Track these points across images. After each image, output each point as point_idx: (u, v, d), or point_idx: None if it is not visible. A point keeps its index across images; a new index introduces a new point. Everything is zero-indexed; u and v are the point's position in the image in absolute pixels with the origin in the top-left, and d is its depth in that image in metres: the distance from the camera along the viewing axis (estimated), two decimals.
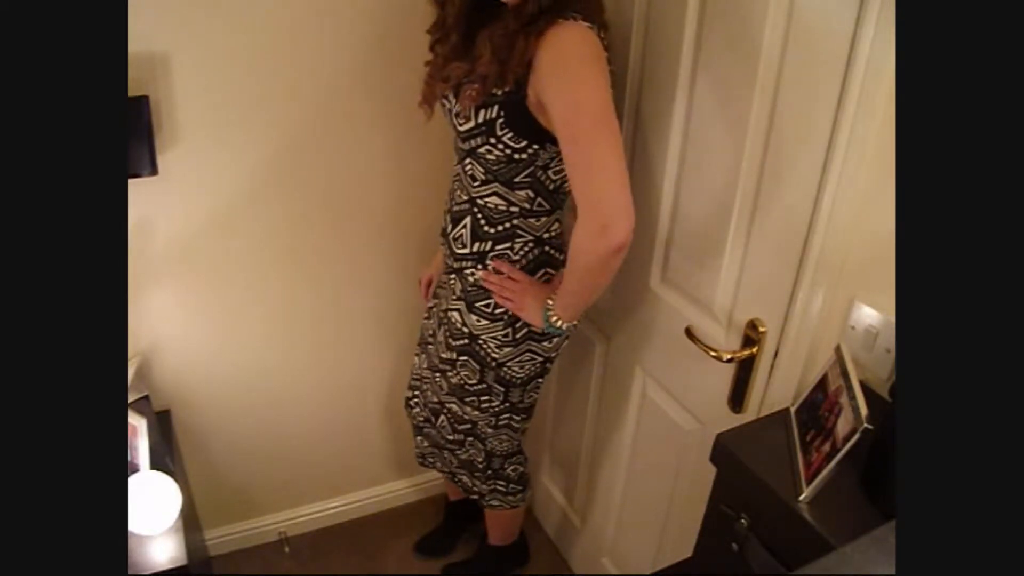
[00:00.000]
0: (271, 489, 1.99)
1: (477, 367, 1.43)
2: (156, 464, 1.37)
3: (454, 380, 1.49)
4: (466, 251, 1.35)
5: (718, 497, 1.03)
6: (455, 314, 1.42)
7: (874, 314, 0.98)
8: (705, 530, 1.08)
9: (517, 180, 1.26)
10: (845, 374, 0.92)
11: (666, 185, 1.29)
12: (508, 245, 1.33)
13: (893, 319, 0.95)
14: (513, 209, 1.29)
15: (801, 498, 0.88)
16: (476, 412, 1.51)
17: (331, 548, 2.04)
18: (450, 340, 1.45)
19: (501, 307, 1.35)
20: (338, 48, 1.49)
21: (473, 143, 1.23)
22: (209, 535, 1.95)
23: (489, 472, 1.66)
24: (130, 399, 1.54)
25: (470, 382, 1.46)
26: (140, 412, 1.42)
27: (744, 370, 1.19)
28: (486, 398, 1.48)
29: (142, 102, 1.31)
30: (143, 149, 1.35)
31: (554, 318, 1.30)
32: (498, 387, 1.45)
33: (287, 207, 1.61)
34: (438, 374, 1.53)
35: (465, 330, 1.41)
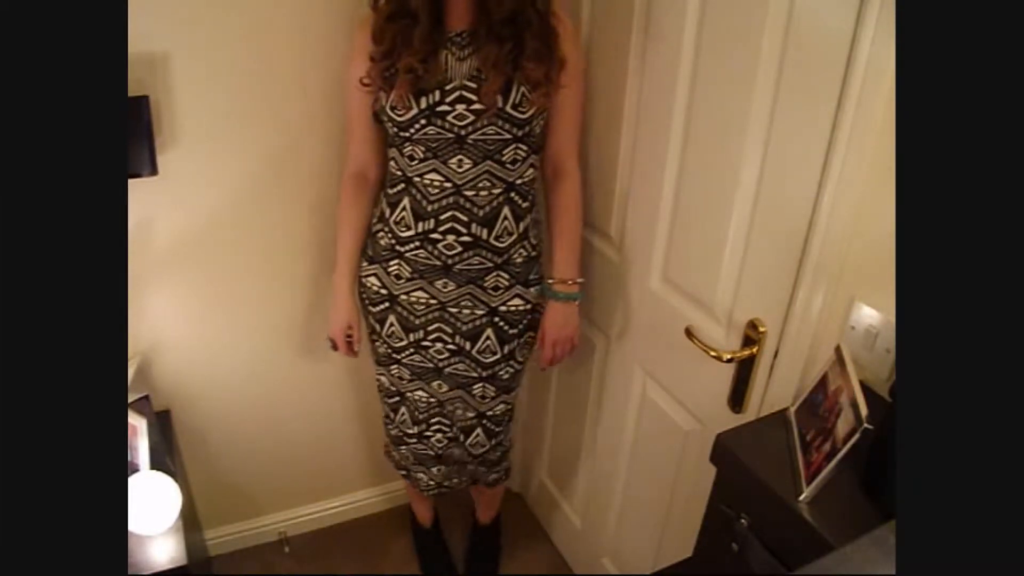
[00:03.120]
0: (271, 489, 1.99)
1: (534, 334, 1.52)
2: (156, 464, 1.37)
3: (506, 376, 1.53)
4: (513, 237, 1.39)
5: (718, 497, 1.03)
6: (515, 300, 1.45)
7: (874, 314, 0.98)
8: (705, 530, 1.08)
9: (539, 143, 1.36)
10: (845, 374, 0.92)
11: (666, 185, 1.29)
12: (535, 208, 1.42)
13: (893, 319, 0.95)
14: (536, 173, 1.40)
15: (801, 498, 0.88)
16: (517, 387, 1.58)
17: (331, 548, 2.04)
18: (505, 334, 1.47)
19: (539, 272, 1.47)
20: (339, 47, 1.48)
21: (530, 127, 1.30)
22: (209, 535, 1.95)
23: (506, 446, 1.69)
24: (130, 399, 1.54)
25: (521, 359, 1.54)
26: (140, 412, 1.42)
27: (744, 370, 1.19)
28: (523, 362, 1.56)
29: (142, 102, 1.31)
30: (143, 149, 1.35)
31: (574, 288, 1.45)
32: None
33: (287, 207, 1.62)
34: (476, 385, 1.52)
35: (528, 307, 1.47)
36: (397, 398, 1.60)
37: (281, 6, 1.41)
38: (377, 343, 1.54)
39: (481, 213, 1.34)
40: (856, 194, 0.95)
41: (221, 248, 1.59)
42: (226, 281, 1.64)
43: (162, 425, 1.61)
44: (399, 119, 1.27)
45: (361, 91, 1.32)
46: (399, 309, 1.46)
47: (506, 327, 1.47)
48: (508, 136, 1.29)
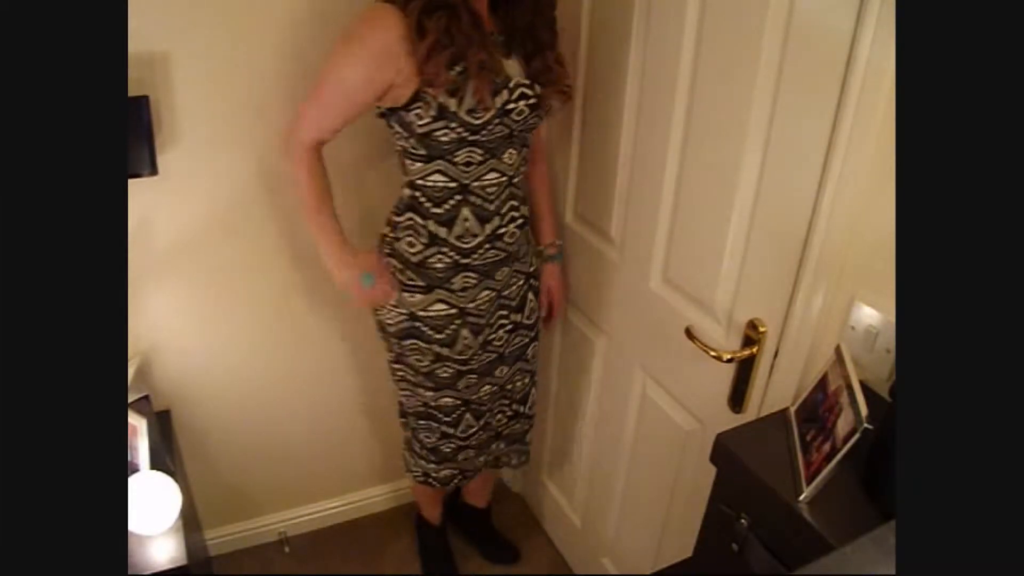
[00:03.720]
0: (271, 489, 1.99)
1: None
2: (156, 464, 1.37)
3: (539, 327, 1.63)
4: (527, 205, 1.48)
5: (718, 497, 1.03)
6: (534, 259, 1.56)
7: (874, 314, 0.98)
8: (705, 530, 1.08)
9: None
10: (845, 374, 0.92)
11: (666, 185, 1.29)
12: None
13: (893, 319, 0.95)
14: None
15: (801, 498, 0.88)
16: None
17: (331, 548, 2.04)
18: (537, 291, 1.58)
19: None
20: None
21: (540, 123, 1.37)
22: (209, 535, 1.96)
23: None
24: (130, 399, 1.54)
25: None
26: (140, 412, 1.42)
27: (744, 370, 1.19)
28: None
29: (142, 102, 1.32)
30: (143, 149, 1.35)
31: (558, 249, 1.62)
32: None
33: (287, 207, 1.61)
34: (530, 348, 1.60)
35: (537, 270, 1.59)
36: (462, 408, 1.54)
37: (281, 7, 1.41)
38: (439, 368, 1.46)
39: (521, 193, 1.41)
40: (856, 194, 0.95)
41: (221, 247, 1.59)
42: (226, 280, 1.64)
43: (162, 425, 1.61)
44: (476, 122, 1.20)
45: (373, 86, 1.20)
46: (470, 319, 1.43)
47: (536, 283, 1.58)
48: (536, 126, 1.36)
